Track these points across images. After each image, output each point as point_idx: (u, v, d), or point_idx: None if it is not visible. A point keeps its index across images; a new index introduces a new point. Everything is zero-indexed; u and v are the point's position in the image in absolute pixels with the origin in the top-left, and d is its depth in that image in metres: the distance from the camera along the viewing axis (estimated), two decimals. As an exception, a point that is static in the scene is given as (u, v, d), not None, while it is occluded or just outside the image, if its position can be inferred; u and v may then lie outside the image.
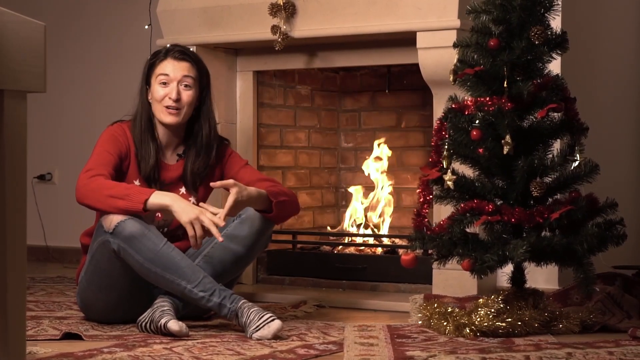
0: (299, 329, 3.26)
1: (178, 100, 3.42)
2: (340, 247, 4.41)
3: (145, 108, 3.48)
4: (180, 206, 3.18)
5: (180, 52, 3.47)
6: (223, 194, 4.00)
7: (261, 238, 3.41)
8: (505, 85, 3.17)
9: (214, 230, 3.16)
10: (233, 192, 3.23)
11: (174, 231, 3.47)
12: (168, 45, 3.53)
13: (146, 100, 3.48)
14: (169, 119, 3.44)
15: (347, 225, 4.62)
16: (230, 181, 3.26)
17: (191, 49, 3.56)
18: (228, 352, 2.82)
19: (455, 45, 3.31)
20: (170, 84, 3.43)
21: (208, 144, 3.50)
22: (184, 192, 3.49)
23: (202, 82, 3.50)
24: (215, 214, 3.19)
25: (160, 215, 3.42)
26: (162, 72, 3.45)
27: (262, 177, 3.53)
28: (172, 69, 3.44)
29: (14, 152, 1.88)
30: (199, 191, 3.52)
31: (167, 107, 3.42)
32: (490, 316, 3.15)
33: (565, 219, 3.14)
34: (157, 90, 3.44)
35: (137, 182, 3.41)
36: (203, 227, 3.16)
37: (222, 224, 3.18)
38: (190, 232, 3.17)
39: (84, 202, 3.24)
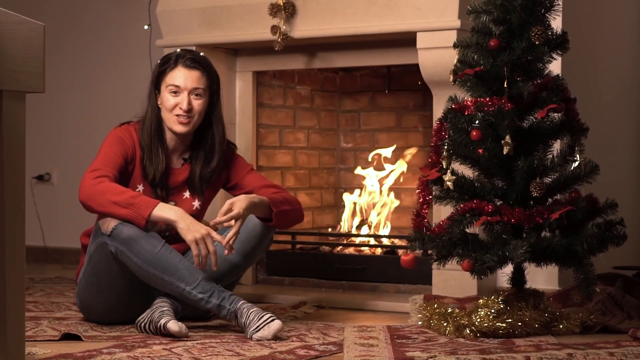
0: (298, 330, 3.25)
1: (189, 110, 3.40)
2: (340, 247, 4.41)
3: (155, 113, 3.44)
4: (186, 224, 3.16)
5: (191, 60, 3.41)
6: (225, 196, 3.99)
7: (262, 243, 3.40)
8: (505, 85, 3.17)
9: (213, 259, 3.17)
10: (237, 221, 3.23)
11: (176, 235, 3.46)
12: (178, 50, 3.46)
13: (155, 105, 3.45)
14: (179, 128, 3.40)
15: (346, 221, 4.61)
16: (230, 214, 3.24)
17: (201, 54, 3.50)
18: (228, 352, 2.82)
19: (455, 46, 3.30)
20: (181, 94, 3.40)
21: (220, 149, 3.48)
22: (188, 196, 3.48)
23: (212, 88, 3.47)
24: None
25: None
26: (172, 82, 3.40)
27: (267, 184, 3.51)
28: (183, 80, 3.39)
29: (13, 152, 1.88)
30: (205, 194, 3.51)
31: (178, 115, 3.40)
32: (491, 317, 3.15)
33: (565, 220, 3.14)
34: (168, 99, 3.41)
35: (140, 186, 3.40)
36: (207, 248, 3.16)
37: (225, 246, 3.20)
38: (194, 251, 3.16)
39: (87, 203, 3.21)
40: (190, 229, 3.16)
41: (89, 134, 5.36)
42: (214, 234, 3.18)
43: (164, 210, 3.18)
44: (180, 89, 3.39)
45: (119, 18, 5.40)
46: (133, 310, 3.28)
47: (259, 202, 3.30)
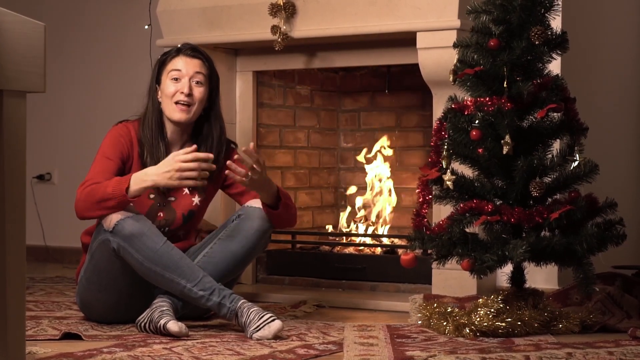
0: (298, 329, 3.26)
1: (190, 95, 3.41)
2: (340, 247, 4.41)
3: (156, 108, 3.46)
4: (161, 178, 3.18)
5: (192, 50, 3.47)
6: (224, 196, 4.00)
7: (261, 239, 3.40)
8: (505, 85, 3.17)
9: (205, 165, 3.19)
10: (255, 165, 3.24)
11: (175, 231, 3.47)
12: (179, 45, 3.53)
13: (156, 100, 3.47)
14: (178, 115, 3.42)
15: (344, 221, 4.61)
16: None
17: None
18: (228, 352, 2.82)
19: (455, 46, 3.31)
20: (182, 80, 3.43)
21: (219, 145, 3.49)
22: (188, 192, 3.48)
23: (212, 81, 3.49)
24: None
25: (162, 215, 3.42)
26: (174, 67, 3.43)
27: None
28: (184, 65, 3.43)
29: (14, 152, 1.88)
30: (205, 190, 3.51)
31: (178, 102, 3.42)
32: (490, 316, 3.15)
33: (564, 219, 3.14)
34: (168, 86, 3.44)
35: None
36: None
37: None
38: (190, 183, 3.19)
39: (84, 215, 3.25)
40: (167, 178, 3.18)
41: (90, 133, 5.36)
42: (180, 153, 3.19)
43: (139, 182, 3.20)
44: (182, 74, 3.42)
45: (119, 18, 5.41)
46: (134, 309, 3.28)
47: (270, 182, 3.34)
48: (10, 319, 1.88)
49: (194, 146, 3.24)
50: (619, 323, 3.30)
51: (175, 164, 3.18)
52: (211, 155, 3.23)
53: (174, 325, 3.07)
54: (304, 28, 4.05)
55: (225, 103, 4.29)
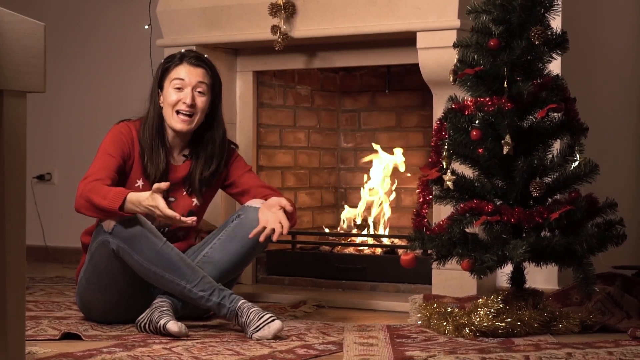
0: (298, 329, 3.26)
1: (192, 105, 3.41)
2: (340, 247, 4.41)
3: (157, 112, 3.45)
4: (151, 212, 3.15)
5: (196, 58, 3.45)
6: (224, 195, 4.00)
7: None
8: (505, 85, 3.17)
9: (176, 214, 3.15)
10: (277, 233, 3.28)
11: (175, 231, 3.48)
12: (183, 50, 3.51)
13: (158, 104, 3.47)
14: (180, 126, 3.42)
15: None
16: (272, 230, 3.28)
17: (205, 55, 3.53)
18: (227, 352, 2.82)
19: (455, 46, 3.31)
20: (185, 89, 3.41)
21: (220, 152, 3.49)
22: (186, 193, 3.48)
23: (214, 89, 3.49)
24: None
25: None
26: (177, 76, 3.42)
27: (263, 184, 3.55)
28: (188, 74, 3.42)
29: (14, 152, 1.88)
30: (204, 195, 3.52)
31: (179, 112, 3.41)
32: (490, 316, 3.15)
33: (564, 219, 3.14)
34: (171, 94, 3.43)
35: (140, 182, 3.41)
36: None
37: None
38: (172, 219, 3.15)
39: (82, 212, 3.25)
40: (157, 214, 3.14)
41: (90, 133, 5.36)
42: (157, 210, 3.14)
43: (133, 206, 3.16)
44: (185, 84, 3.41)
45: (119, 18, 5.41)
46: (133, 309, 3.28)
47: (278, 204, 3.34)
48: (10, 319, 1.88)
49: (167, 184, 3.17)
50: (619, 323, 3.30)
51: (161, 209, 3.14)
52: (177, 217, 3.14)
53: (173, 326, 3.07)
54: (304, 28, 4.05)
55: (226, 103, 4.28)
